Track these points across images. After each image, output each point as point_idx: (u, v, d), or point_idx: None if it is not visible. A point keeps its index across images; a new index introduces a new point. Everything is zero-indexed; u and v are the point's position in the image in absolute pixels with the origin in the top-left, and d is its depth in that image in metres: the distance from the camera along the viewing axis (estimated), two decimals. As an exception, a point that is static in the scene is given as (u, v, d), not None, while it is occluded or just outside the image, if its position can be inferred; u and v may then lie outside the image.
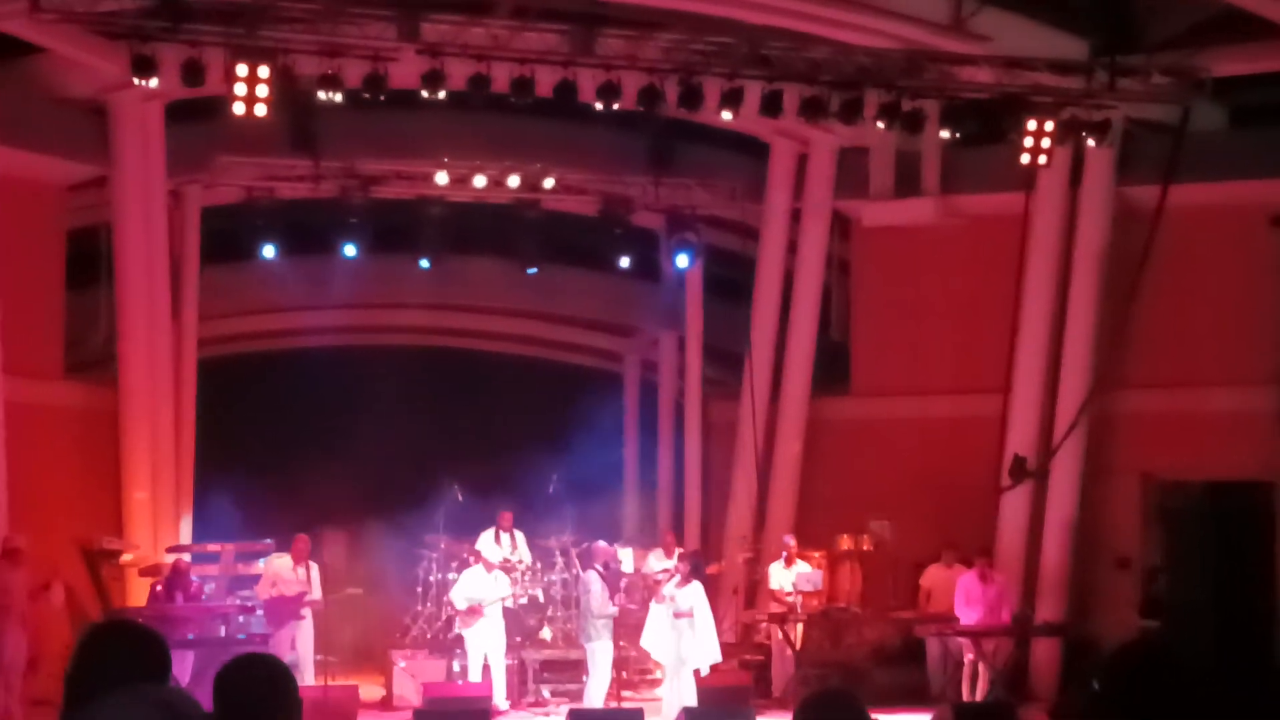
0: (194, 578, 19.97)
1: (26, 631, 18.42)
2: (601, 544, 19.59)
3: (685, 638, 18.81)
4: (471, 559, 20.93)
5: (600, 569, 18.92)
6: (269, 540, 21.22)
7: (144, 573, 21.12)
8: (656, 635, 19.34)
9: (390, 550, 25.22)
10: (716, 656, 19.33)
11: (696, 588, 19.09)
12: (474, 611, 20.10)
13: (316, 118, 21.51)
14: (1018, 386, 23.00)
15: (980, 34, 20.65)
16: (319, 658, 19.77)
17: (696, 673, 18.95)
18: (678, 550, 21.61)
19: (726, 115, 19.36)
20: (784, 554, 21.76)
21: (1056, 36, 21.02)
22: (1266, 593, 21.83)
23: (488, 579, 20.33)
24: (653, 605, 19.59)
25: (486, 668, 20.11)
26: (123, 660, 5.11)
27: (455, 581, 21.76)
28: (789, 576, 21.45)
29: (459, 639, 20.99)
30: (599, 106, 18.77)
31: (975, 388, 23.51)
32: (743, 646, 22.71)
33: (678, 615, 18.80)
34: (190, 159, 22.82)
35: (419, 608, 22.56)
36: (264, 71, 17.51)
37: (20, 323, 20.87)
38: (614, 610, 18.83)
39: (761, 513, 24.61)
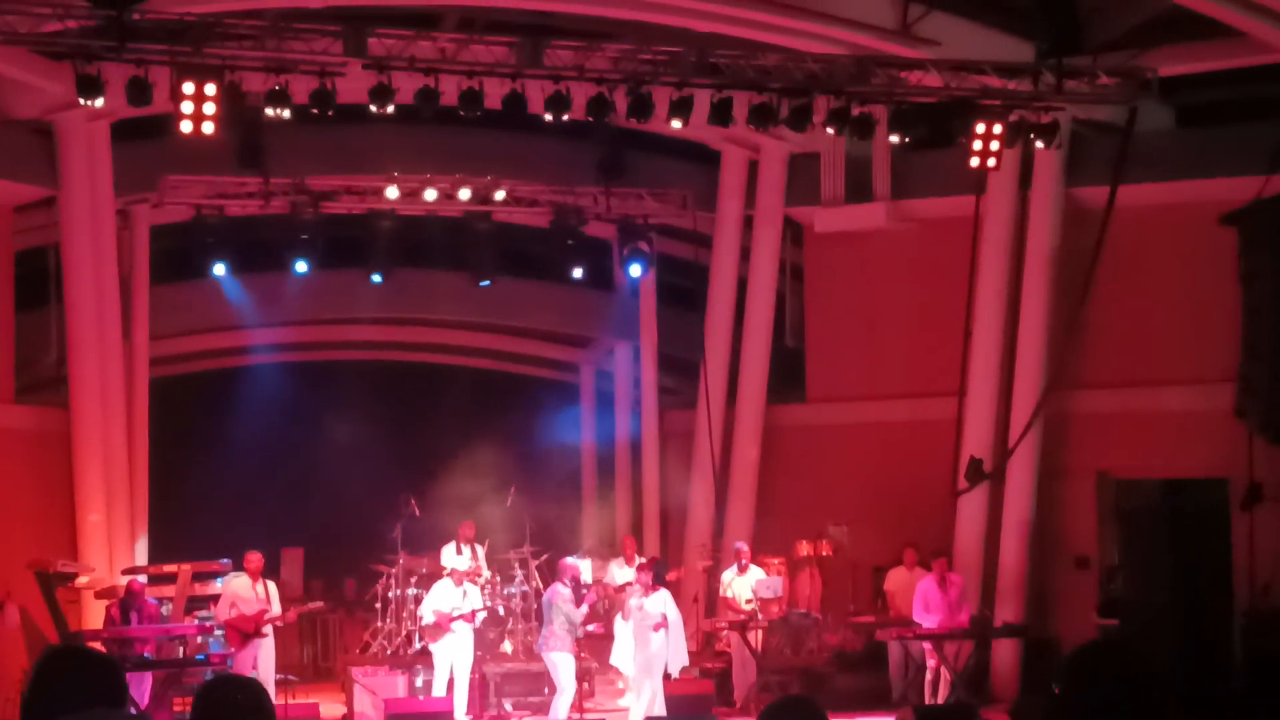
0: (150, 599, 19.83)
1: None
2: (569, 560, 19.53)
3: (659, 646, 18.76)
4: (443, 571, 20.84)
5: (566, 583, 18.87)
6: (226, 560, 21.09)
7: (100, 595, 20.97)
8: (624, 650, 19.31)
9: (348, 567, 25.15)
10: (685, 660, 19.34)
11: (663, 594, 19.09)
12: (441, 625, 20.02)
13: (265, 134, 21.43)
14: (972, 389, 23.05)
15: (927, 38, 20.72)
16: (279, 676, 19.70)
17: (666, 677, 18.95)
18: (639, 559, 21.59)
19: (676, 124, 19.35)
20: (737, 562, 21.70)
21: (1003, 40, 21.12)
22: (1224, 589, 21.99)
23: (456, 592, 20.25)
24: (617, 620, 19.52)
25: (451, 682, 20.03)
26: (78, 685, 5.08)
27: (414, 597, 21.71)
28: (745, 583, 21.40)
29: (419, 655, 20.92)
30: (548, 117, 18.72)
31: (930, 391, 23.56)
32: (704, 654, 22.70)
33: (656, 628, 18.75)
34: (138, 178, 22.70)
35: (378, 624, 22.47)
36: (211, 89, 17.39)
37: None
38: (583, 612, 18.73)
39: (720, 520, 24.61)
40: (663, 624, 18.79)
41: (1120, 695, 5.11)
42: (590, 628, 19.27)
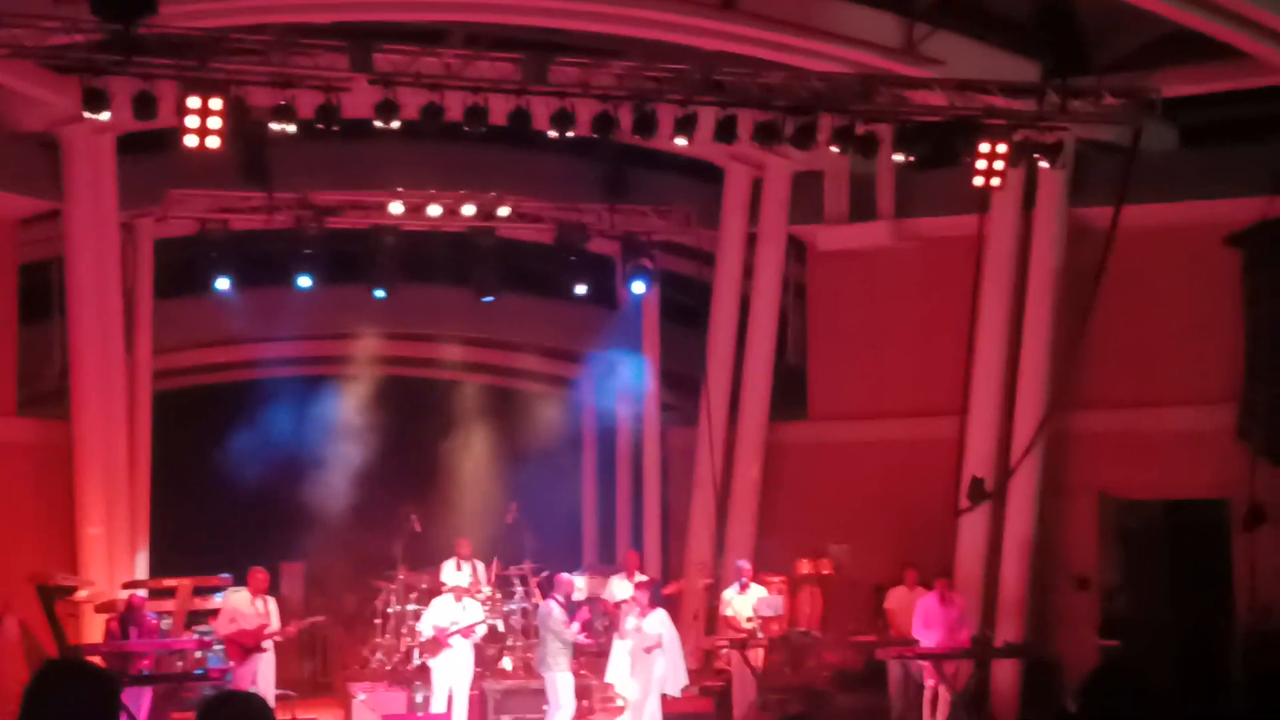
0: (150, 614, 19.82)
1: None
2: (565, 576, 19.53)
3: (656, 665, 18.74)
4: (443, 588, 20.83)
5: (560, 599, 18.86)
6: (226, 575, 21.08)
7: (100, 609, 20.95)
8: (620, 668, 19.23)
9: (348, 582, 25.10)
10: (685, 680, 19.31)
11: (661, 614, 19.06)
12: (439, 641, 20.00)
13: (269, 149, 21.44)
14: (974, 408, 23.02)
15: (932, 57, 20.74)
16: (278, 691, 19.68)
17: (664, 697, 18.92)
18: (639, 576, 21.56)
19: (681, 141, 19.37)
20: (738, 580, 21.67)
21: (1008, 59, 21.13)
22: (1224, 610, 21.95)
23: (456, 608, 20.25)
24: (615, 639, 19.48)
25: (450, 698, 20.00)
26: (75, 700, 5.08)
27: (414, 613, 21.69)
28: (746, 601, 21.38)
29: (419, 670, 20.90)
30: (553, 134, 18.74)
31: (932, 410, 23.53)
32: (704, 673, 22.68)
33: (648, 649, 18.73)
34: (143, 192, 22.72)
35: (378, 639, 22.45)
36: (216, 103, 17.42)
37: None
38: (574, 632, 18.72)
39: (721, 538, 24.58)
40: (658, 645, 18.77)
41: (1126, 716, 5.12)
42: (580, 637, 19.22)
